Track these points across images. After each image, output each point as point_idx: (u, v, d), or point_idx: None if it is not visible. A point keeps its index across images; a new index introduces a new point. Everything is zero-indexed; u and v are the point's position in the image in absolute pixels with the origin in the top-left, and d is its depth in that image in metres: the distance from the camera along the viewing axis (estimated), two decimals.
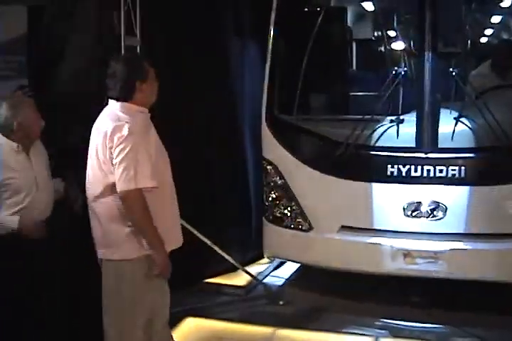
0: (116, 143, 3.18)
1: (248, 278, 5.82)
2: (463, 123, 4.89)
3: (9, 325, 3.55)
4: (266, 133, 5.39)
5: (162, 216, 3.33)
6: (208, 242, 5.34)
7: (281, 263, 6.31)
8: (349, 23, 6.70)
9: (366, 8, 6.79)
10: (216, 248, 5.42)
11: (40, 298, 3.67)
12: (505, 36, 8.01)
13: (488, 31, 8.45)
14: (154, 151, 3.30)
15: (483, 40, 8.45)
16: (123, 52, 4.84)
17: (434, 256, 4.83)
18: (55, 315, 3.72)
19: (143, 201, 3.20)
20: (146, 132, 3.30)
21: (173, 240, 3.46)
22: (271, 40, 5.47)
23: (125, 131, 3.18)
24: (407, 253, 4.87)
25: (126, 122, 3.22)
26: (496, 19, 7.80)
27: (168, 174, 3.47)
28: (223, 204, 5.88)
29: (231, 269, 5.85)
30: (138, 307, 3.37)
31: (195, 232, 5.11)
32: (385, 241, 4.94)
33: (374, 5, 6.52)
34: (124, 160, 3.17)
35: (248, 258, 6.16)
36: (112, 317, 3.40)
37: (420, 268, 4.88)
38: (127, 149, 3.17)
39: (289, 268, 6.22)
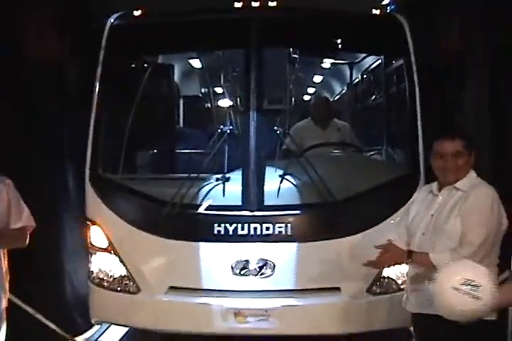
0: None
1: None
2: (288, 180, 4.97)
3: None
4: (89, 192, 5.18)
5: None
6: (31, 311, 5.09)
7: (110, 327, 6.02)
8: (176, 79, 6.73)
9: (194, 66, 6.87)
10: (40, 316, 5.16)
11: None
12: (324, 94, 8.41)
13: (311, 89, 8.87)
14: None
15: (306, 97, 8.84)
16: None
17: (265, 313, 4.81)
18: None
19: None
20: None
21: None
22: (96, 96, 5.29)
23: None
24: (237, 312, 4.80)
25: None
26: (317, 78, 8.20)
27: None
28: (46, 269, 5.58)
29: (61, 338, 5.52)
30: None
31: (17, 301, 4.79)
32: (215, 301, 4.84)
33: (201, 63, 6.60)
34: None
35: (77, 324, 5.84)
36: None
37: (252, 326, 4.82)
38: None
39: (118, 332, 5.95)
